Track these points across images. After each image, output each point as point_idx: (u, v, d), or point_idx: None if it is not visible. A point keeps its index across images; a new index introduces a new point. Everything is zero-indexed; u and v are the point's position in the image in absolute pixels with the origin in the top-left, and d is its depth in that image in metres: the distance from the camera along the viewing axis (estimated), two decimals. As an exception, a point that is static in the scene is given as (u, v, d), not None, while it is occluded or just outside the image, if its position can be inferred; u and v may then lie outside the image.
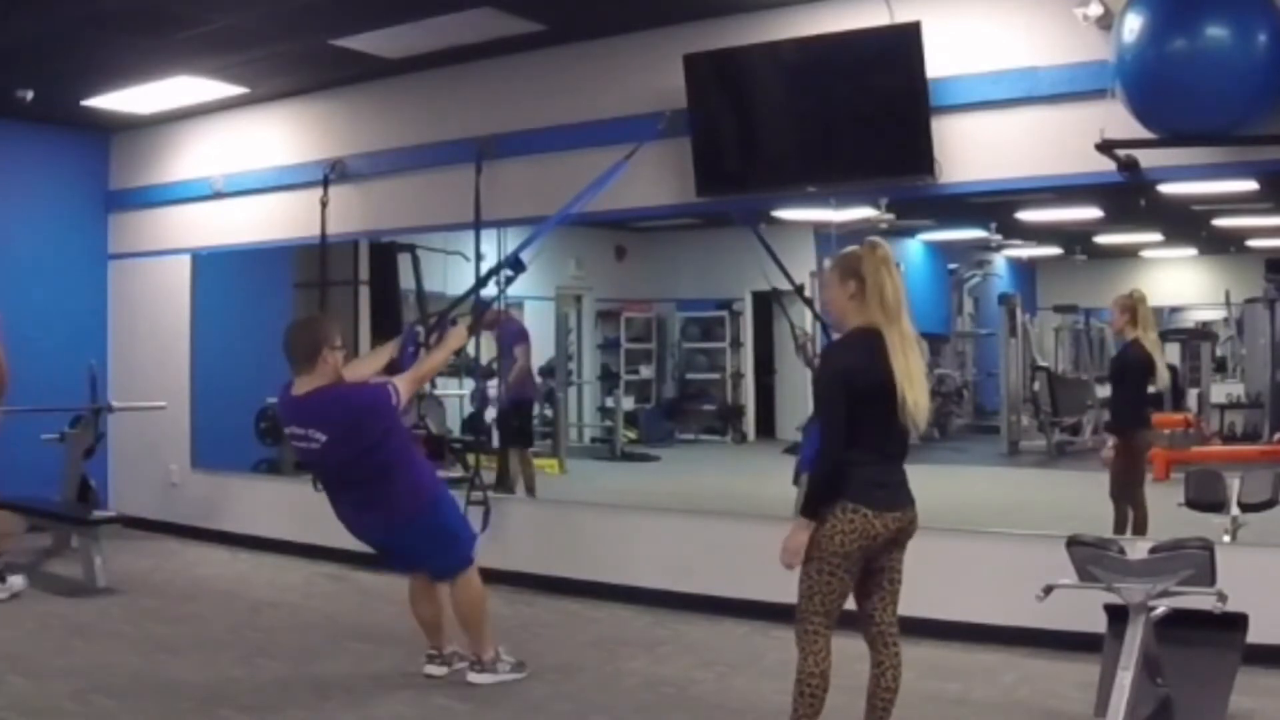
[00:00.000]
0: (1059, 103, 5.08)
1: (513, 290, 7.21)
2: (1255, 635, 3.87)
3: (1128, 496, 5.71)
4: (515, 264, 5.59)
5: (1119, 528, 5.48)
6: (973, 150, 5.35)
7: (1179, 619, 3.70)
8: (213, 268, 8.32)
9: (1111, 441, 5.94)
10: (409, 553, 4.70)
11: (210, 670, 4.95)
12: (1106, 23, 4.79)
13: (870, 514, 3.33)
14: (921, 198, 5.81)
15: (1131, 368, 5.94)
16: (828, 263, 3.52)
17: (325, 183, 7.42)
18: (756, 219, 6.40)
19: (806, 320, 6.98)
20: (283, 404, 4.52)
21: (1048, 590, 3.68)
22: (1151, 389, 6.14)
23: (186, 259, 8.40)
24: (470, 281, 6.41)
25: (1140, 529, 5.45)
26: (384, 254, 8.24)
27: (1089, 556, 3.70)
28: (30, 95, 7.39)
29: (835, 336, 3.63)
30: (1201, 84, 4.36)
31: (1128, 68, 4.51)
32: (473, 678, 4.72)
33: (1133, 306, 5.88)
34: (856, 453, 3.34)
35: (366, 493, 4.49)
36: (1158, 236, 9.29)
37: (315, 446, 4.37)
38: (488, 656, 4.72)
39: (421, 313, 7.62)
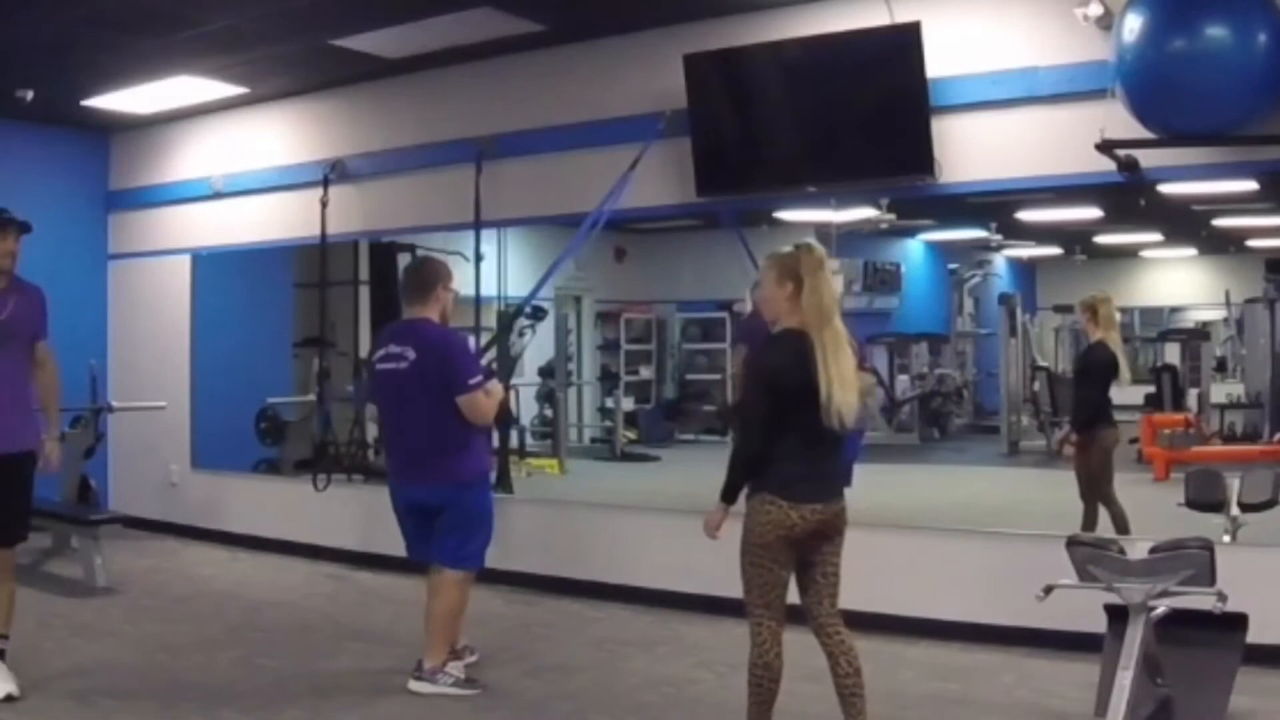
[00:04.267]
0: (1059, 103, 5.08)
1: (512, 290, 7.23)
2: (1255, 635, 3.87)
3: (1098, 495, 5.76)
4: (535, 314, 5.71)
5: (1087, 527, 5.50)
6: (973, 150, 5.36)
7: (1179, 619, 3.70)
8: (213, 268, 8.31)
9: (1073, 438, 5.96)
10: (438, 518, 4.62)
11: (210, 670, 4.95)
12: (1106, 23, 4.79)
13: (786, 505, 3.44)
14: (921, 198, 5.81)
15: (1096, 367, 5.99)
16: (762, 262, 3.59)
17: (325, 183, 7.42)
18: (749, 221, 6.39)
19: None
20: (385, 329, 4.95)
21: (1048, 590, 3.69)
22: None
23: (186, 259, 8.39)
24: (469, 281, 6.44)
25: (1122, 528, 5.46)
26: (384, 254, 8.25)
27: (1089, 556, 3.70)
28: (30, 95, 7.38)
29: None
30: (1201, 84, 4.36)
31: (1128, 68, 4.52)
32: (413, 685, 4.61)
33: (1094, 307, 5.98)
34: (780, 448, 3.47)
35: (430, 447, 4.56)
36: (1158, 236, 9.31)
37: (402, 367, 4.57)
38: (432, 665, 4.62)
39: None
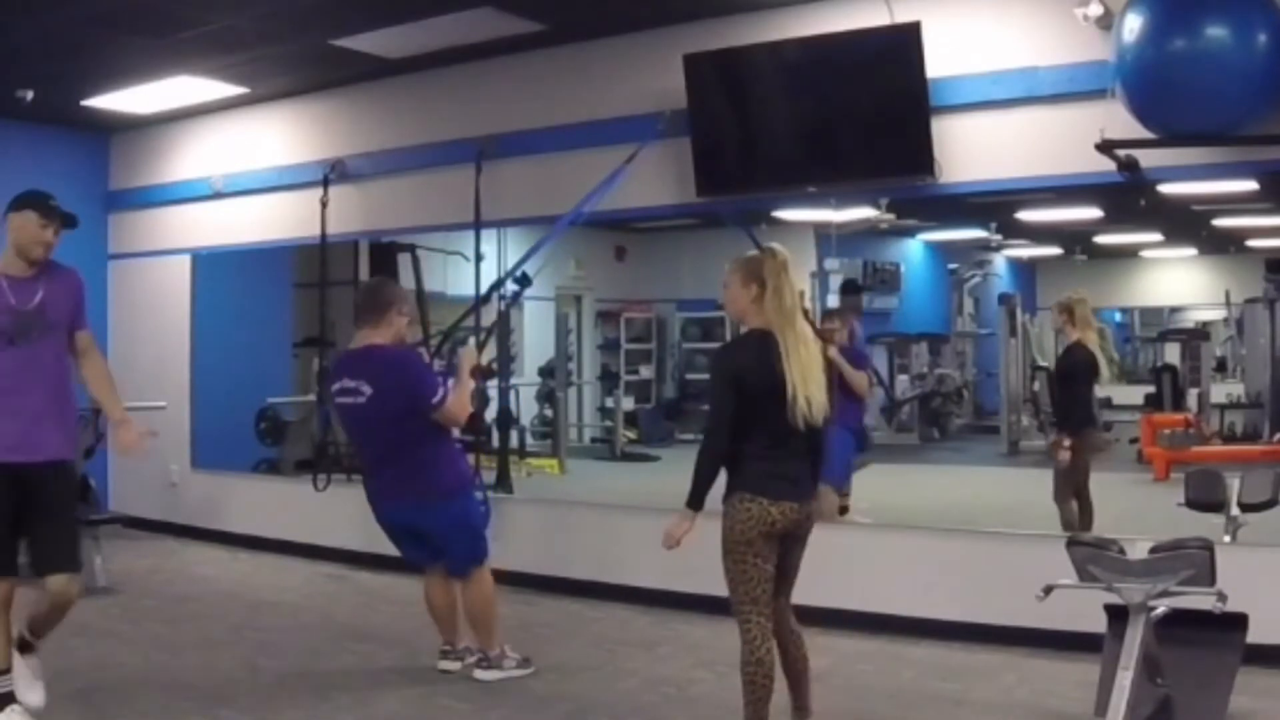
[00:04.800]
0: (1059, 103, 5.08)
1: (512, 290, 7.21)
2: (1255, 635, 3.86)
3: (1062, 494, 5.76)
4: (522, 280, 5.71)
5: (1084, 526, 5.49)
6: (973, 150, 5.36)
7: (1179, 619, 3.70)
8: (213, 268, 8.31)
9: (1066, 441, 5.93)
10: (434, 538, 4.70)
11: (210, 670, 4.95)
12: (1106, 23, 4.79)
13: (766, 502, 3.51)
14: (921, 198, 5.81)
15: (1079, 367, 5.99)
16: (727, 266, 3.68)
17: (325, 183, 7.42)
18: (749, 221, 6.39)
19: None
20: (338, 359, 4.85)
21: (1048, 590, 3.69)
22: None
23: (186, 259, 8.40)
24: (469, 281, 6.42)
25: (1088, 525, 5.45)
26: (384, 254, 8.24)
27: (1089, 556, 3.70)
28: (30, 95, 7.38)
29: None
30: (1201, 84, 4.36)
31: (1128, 68, 4.51)
32: (480, 674, 4.75)
33: (1070, 308, 6.00)
34: (751, 447, 3.53)
35: (404, 469, 4.59)
36: (1158, 236, 9.30)
37: (360, 401, 4.54)
38: (494, 653, 4.77)
39: (422, 314, 7.61)
